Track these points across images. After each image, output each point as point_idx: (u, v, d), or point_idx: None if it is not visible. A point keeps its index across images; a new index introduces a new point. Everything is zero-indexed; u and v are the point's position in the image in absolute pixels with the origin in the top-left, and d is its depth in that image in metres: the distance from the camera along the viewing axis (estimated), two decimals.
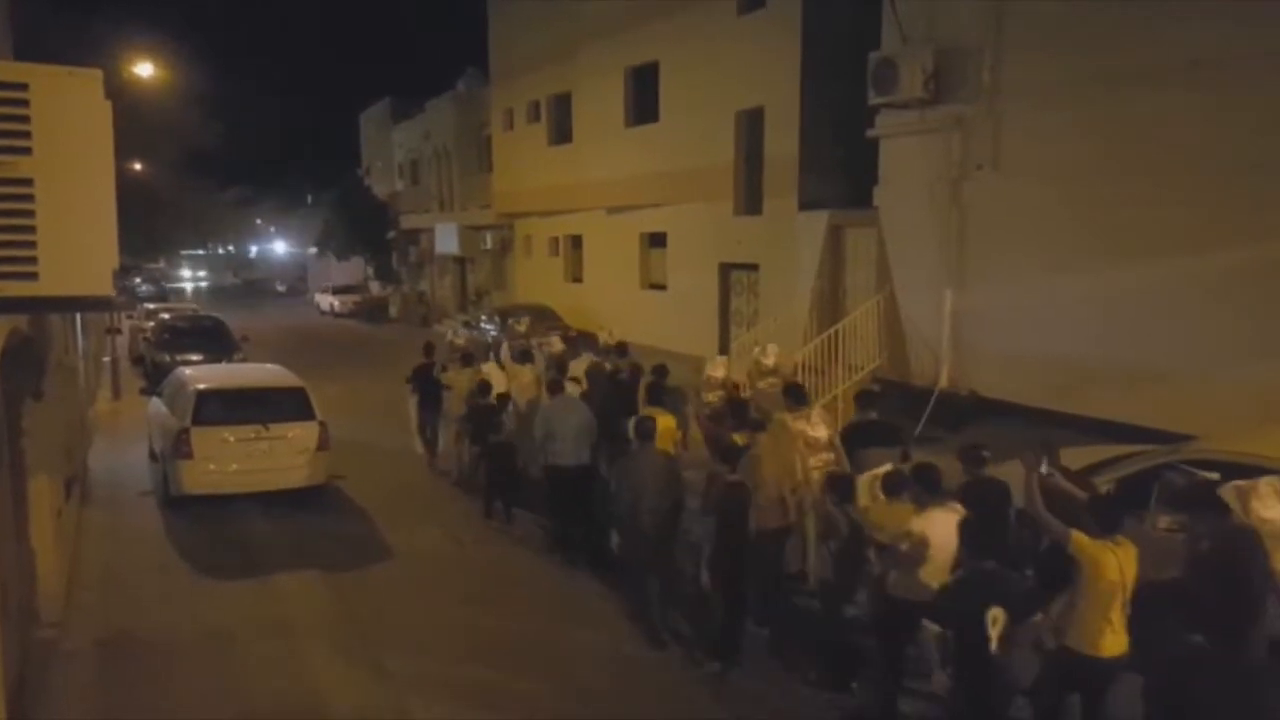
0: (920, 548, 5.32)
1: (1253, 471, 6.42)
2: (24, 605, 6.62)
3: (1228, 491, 4.94)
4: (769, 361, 10.45)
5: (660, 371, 10.04)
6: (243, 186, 58.87)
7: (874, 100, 12.99)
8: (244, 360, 17.26)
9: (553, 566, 8.86)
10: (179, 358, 17.20)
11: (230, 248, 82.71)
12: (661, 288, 20.32)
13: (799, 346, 13.78)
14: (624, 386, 10.23)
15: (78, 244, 4.00)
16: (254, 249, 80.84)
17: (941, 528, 5.30)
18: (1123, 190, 10.46)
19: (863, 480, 6.38)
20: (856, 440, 7.50)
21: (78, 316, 13.16)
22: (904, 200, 13.24)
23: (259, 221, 73.00)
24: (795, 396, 8.20)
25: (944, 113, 12.42)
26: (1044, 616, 4.71)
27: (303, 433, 10.42)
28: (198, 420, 10.10)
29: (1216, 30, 9.44)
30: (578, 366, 11.06)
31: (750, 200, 16.93)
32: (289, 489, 10.30)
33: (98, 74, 4.05)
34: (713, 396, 9.48)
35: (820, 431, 7.60)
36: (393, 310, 37.90)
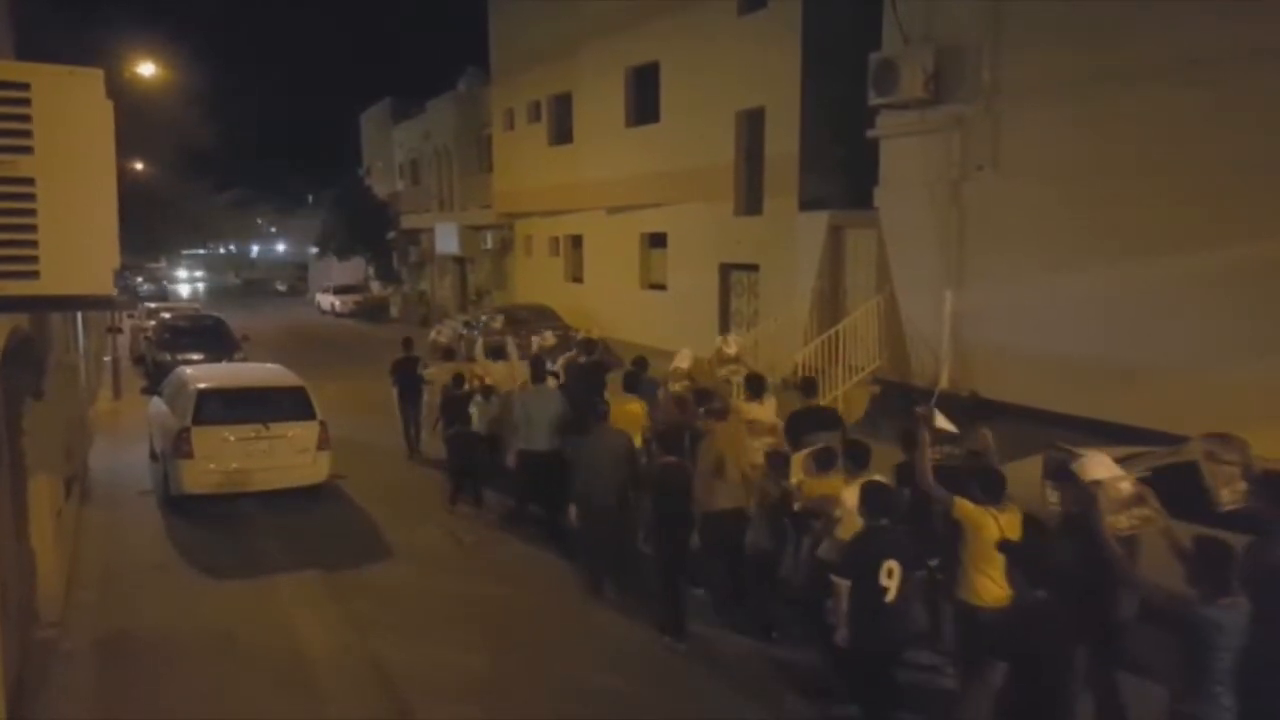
0: (850, 515, 5.83)
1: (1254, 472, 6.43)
2: (23, 605, 6.62)
3: (1078, 462, 5.58)
4: (731, 350, 11.07)
5: (640, 363, 10.62)
6: (243, 187, 58.97)
7: (874, 100, 13.00)
8: (244, 360, 17.27)
9: (554, 565, 8.87)
10: (180, 357, 17.21)
11: (231, 248, 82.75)
12: (662, 288, 20.32)
13: (799, 347, 13.79)
14: (592, 374, 10.82)
15: (79, 243, 4.00)
16: (255, 249, 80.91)
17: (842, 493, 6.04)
18: (1123, 190, 10.46)
19: (796, 457, 6.90)
20: (801, 425, 7.98)
21: (79, 315, 13.16)
22: (904, 200, 13.25)
23: (259, 221, 73.08)
24: (755, 385, 8.88)
25: (944, 113, 12.42)
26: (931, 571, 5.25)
27: (303, 432, 10.42)
28: (198, 419, 10.11)
29: (1216, 29, 9.44)
30: (559, 362, 11.75)
31: (750, 200, 16.94)
32: (289, 488, 10.31)
33: (99, 73, 4.05)
34: (678, 386, 9.95)
35: (770, 416, 8.30)
36: (393, 310, 37.92)
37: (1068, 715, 4.63)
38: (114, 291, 4.22)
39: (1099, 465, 5.52)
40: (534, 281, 27.19)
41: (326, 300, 42.16)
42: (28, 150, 3.90)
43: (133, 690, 6.55)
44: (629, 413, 8.71)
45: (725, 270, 17.96)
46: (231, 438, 10.11)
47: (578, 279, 24.68)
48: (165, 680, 6.67)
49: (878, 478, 6.07)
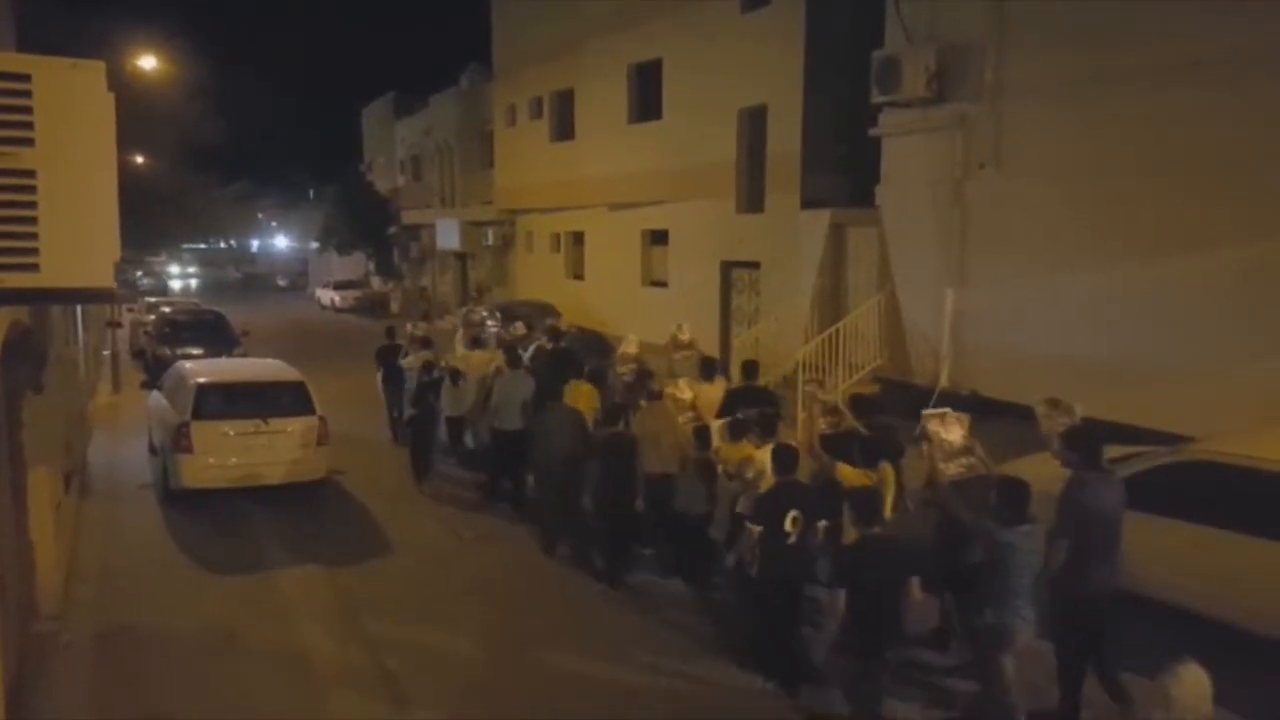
0: (760, 474, 6.79)
1: (1251, 473, 6.46)
2: (23, 598, 6.63)
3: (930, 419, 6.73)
4: (685, 337, 12.33)
5: (605, 353, 12.02)
6: (244, 181, 58.80)
7: (877, 99, 12.98)
8: (244, 355, 17.25)
9: (553, 563, 8.87)
10: (179, 351, 17.20)
11: (231, 242, 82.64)
12: (663, 285, 20.31)
13: (800, 345, 13.77)
14: (557, 360, 11.77)
15: (79, 236, 3.99)
16: (255, 243, 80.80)
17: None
18: (1125, 190, 10.45)
19: (715, 426, 8.18)
20: (738, 401, 8.80)
21: (78, 309, 13.16)
22: (906, 199, 13.23)
23: (260, 216, 72.94)
24: (706, 369, 10.20)
25: (947, 111, 12.41)
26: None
27: (302, 427, 10.41)
28: (198, 414, 10.10)
29: (1219, 29, 9.43)
30: (529, 350, 12.66)
31: (752, 198, 16.92)
32: (289, 484, 10.30)
33: (100, 66, 4.04)
34: (625, 370, 11.21)
35: (718, 395, 9.32)
36: (394, 306, 37.88)
37: (898, 633, 5.54)
38: (114, 285, 4.21)
39: (934, 420, 6.78)
40: (535, 278, 27.18)
41: (327, 295, 42.12)
42: (29, 142, 3.89)
43: (132, 684, 6.55)
44: (582, 393, 9.76)
45: (726, 268, 17.95)
46: (231, 433, 10.11)
47: (579, 275, 24.67)
48: (164, 674, 6.67)
49: (787, 442, 6.90)
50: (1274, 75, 9.02)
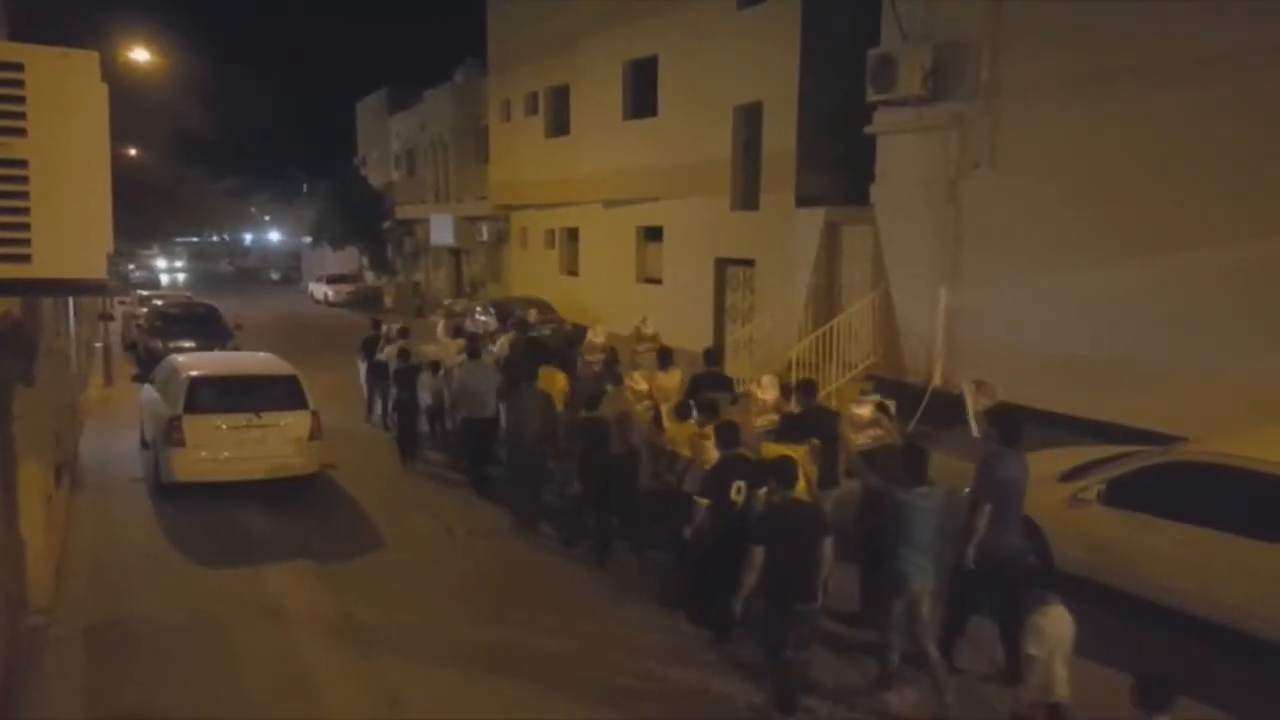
0: (703, 454, 7.41)
1: (1244, 474, 6.49)
2: (13, 591, 6.59)
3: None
4: (648, 331, 13.46)
5: (572, 340, 12.86)
6: (238, 175, 58.62)
7: (872, 97, 12.98)
8: (237, 348, 17.19)
9: (545, 555, 8.87)
10: (171, 345, 17.15)
11: (225, 236, 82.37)
12: (657, 282, 20.30)
13: (794, 342, 13.79)
14: (530, 349, 12.89)
15: (72, 227, 3.96)
16: (248, 237, 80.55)
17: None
18: (1120, 190, 10.47)
19: (664, 409, 8.96)
20: (700, 385, 9.59)
21: (70, 301, 13.10)
22: (901, 197, 13.25)
23: (253, 210, 72.73)
24: (664, 358, 10.79)
25: (942, 110, 12.42)
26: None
27: (295, 421, 10.39)
28: (190, 408, 10.06)
29: (1216, 28, 9.45)
30: (502, 342, 14.00)
31: (747, 195, 16.92)
32: (281, 478, 10.27)
33: (94, 56, 4.01)
34: (593, 358, 12.00)
35: (674, 384, 10.22)
36: (387, 300, 37.78)
37: (810, 589, 6.00)
38: (106, 277, 4.19)
39: (851, 401, 8.15)
40: (529, 274, 27.14)
41: (320, 290, 41.94)
42: (21, 132, 3.86)
43: (123, 677, 6.53)
44: (552, 378, 10.54)
45: (721, 265, 17.95)
46: (223, 426, 10.07)
47: (573, 272, 24.64)
48: (156, 668, 6.65)
49: (729, 419, 7.61)
50: (1269, 74, 9.05)
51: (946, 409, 12.28)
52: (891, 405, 8.59)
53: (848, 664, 6.59)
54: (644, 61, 19.92)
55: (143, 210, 26.89)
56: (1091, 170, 10.79)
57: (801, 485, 6.54)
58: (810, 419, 8.06)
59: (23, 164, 3.87)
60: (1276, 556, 6.21)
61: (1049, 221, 11.29)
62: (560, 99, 24.13)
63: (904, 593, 5.94)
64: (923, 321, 12.93)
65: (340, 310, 38.05)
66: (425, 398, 12.76)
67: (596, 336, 13.11)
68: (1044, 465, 8.41)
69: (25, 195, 3.88)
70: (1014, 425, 6.42)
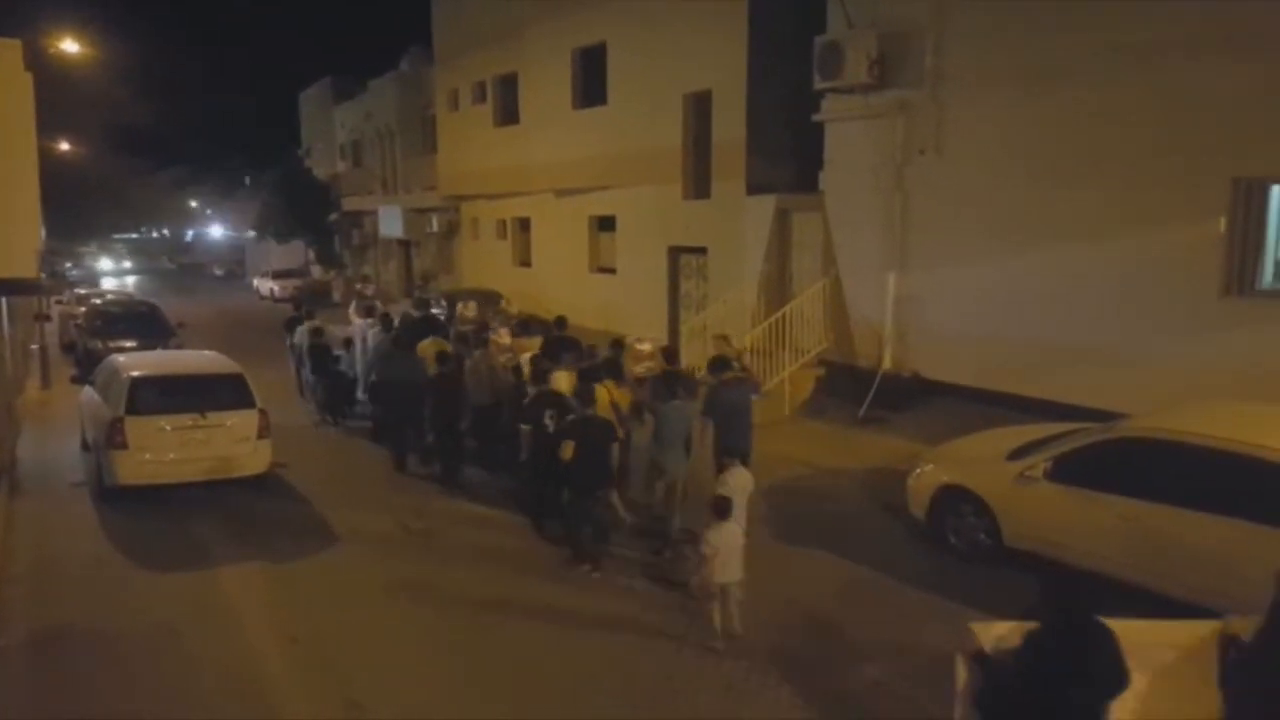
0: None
1: (1182, 448, 6.69)
2: None
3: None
4: (645, 348, 13.89)
5: (484, 327, 13.81)
6: (178, 167, 56.99)
7: (819, 84, 13.08)
8: (180, 347, 16.77)
9: (503, 549, 8.83)
10: (112, 344, 16.71)
11: (165, 231, 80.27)
12: (611, 271, 20.25)
13: (747, 329, 13.86)
14: (420, 325, 14.48)
15: None
16: (190, 233, 78.59)
17: (565, 384, 9.42)
18: (1062, 176, 10.70)
19: (523, 359, 10.82)
20: (552, 349, 10.87)
21: (2, 302, 12.67)
22: (849, 184, 13.38)
23: (194, 204, 70.97)
24: (521, 327, 13.66)
25: (888, 98, 12.55)
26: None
27: (242, 420, 10.17)
28: (132, 409, 9.79)
29: (1156, 19, 9.69)
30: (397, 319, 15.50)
31: (699, 184, 16.94)
32: (229, 478, 10.06)
33: (17, 44, 3.87)
34: (466, 326, 14.43)
35: (535, 348, 11.52)
36: (335, 295, 37.16)
37: (604, 477, 8.23)
38: (39, 275, 4.05)
39: (634, 340, 11.83)
40: (481, 265, 26.90)
41: (265, 285, 41.08)
42: None
43: (72, 688, 6.35)
44: (431, 346, 12.34)
45: (674, 253, 17.96)
46: (167, 427, 9.82)
47: (526, 262, 24.48)
48: (106, 677, 6.48)
49: (549, 366, 9.75)
50: (1207, 65, 9.30)
51: (896, 393, 12.47)
52: (733, 338, 11.53)
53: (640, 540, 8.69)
54: (593, 49, 19.80)
55: (78, 206, 26.04)
56: (1034, 156, 11.01)
57: (603, 403, 8.71)
58: (604, 366, 10.18)
59: None
60: (1210, 526, 6.43)
61: (993, 207, 11.50)
62: (509, 87, 23.90)
63: (662, 476, 8.54)
64: (872, 307, 13.09)
65: (287, 305, 37.35)
66: (346, 369, 14.63)
67: (469, 311, 15.82)
68: (991, 444, 8.62)
69: None
70: (724, 366, 9.21)
